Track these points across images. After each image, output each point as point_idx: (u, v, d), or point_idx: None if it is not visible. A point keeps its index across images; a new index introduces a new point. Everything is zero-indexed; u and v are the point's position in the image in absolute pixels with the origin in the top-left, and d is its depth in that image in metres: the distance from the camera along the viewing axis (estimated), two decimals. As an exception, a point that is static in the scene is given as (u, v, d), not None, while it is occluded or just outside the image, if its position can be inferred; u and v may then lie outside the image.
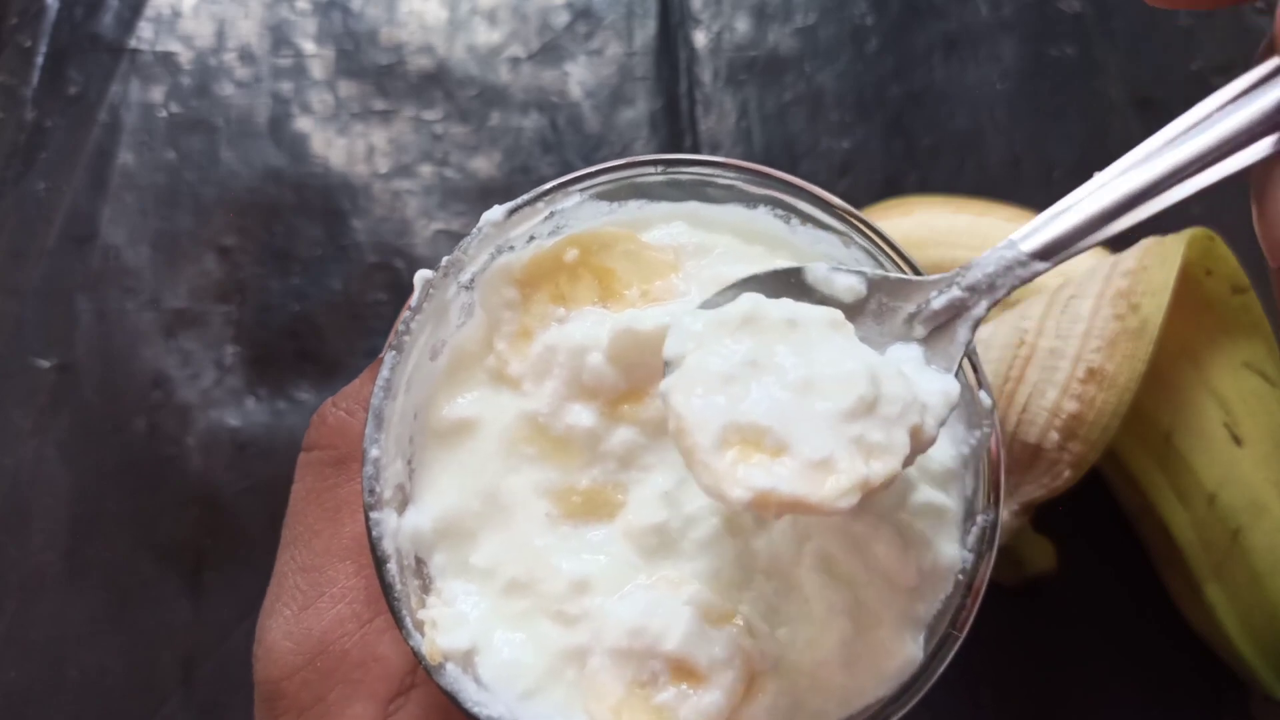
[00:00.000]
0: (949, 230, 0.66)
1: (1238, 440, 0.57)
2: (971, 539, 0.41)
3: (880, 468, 0.34)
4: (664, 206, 0.43)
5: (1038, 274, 0.35)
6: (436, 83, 0.78)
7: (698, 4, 0.80)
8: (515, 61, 0.79)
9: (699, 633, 0.39)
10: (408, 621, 0.38)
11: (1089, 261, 0.63)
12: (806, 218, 0.43)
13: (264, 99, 0.77)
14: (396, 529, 0.39)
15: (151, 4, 0.80)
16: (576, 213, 0.42)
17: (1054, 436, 0.56)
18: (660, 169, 0.42)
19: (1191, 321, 0.58)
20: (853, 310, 0.39)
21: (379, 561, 0.39)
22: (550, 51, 0.79)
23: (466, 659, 0.39)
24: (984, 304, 0.37)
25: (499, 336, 0.42)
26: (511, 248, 0.42)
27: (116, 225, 0.73)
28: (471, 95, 0.78)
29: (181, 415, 0.69)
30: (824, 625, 0.40)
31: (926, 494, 0.42)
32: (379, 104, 0.77)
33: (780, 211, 0.43)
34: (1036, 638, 0.64)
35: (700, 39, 0.79)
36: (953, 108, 0.76)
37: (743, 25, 0.80)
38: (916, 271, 0.42)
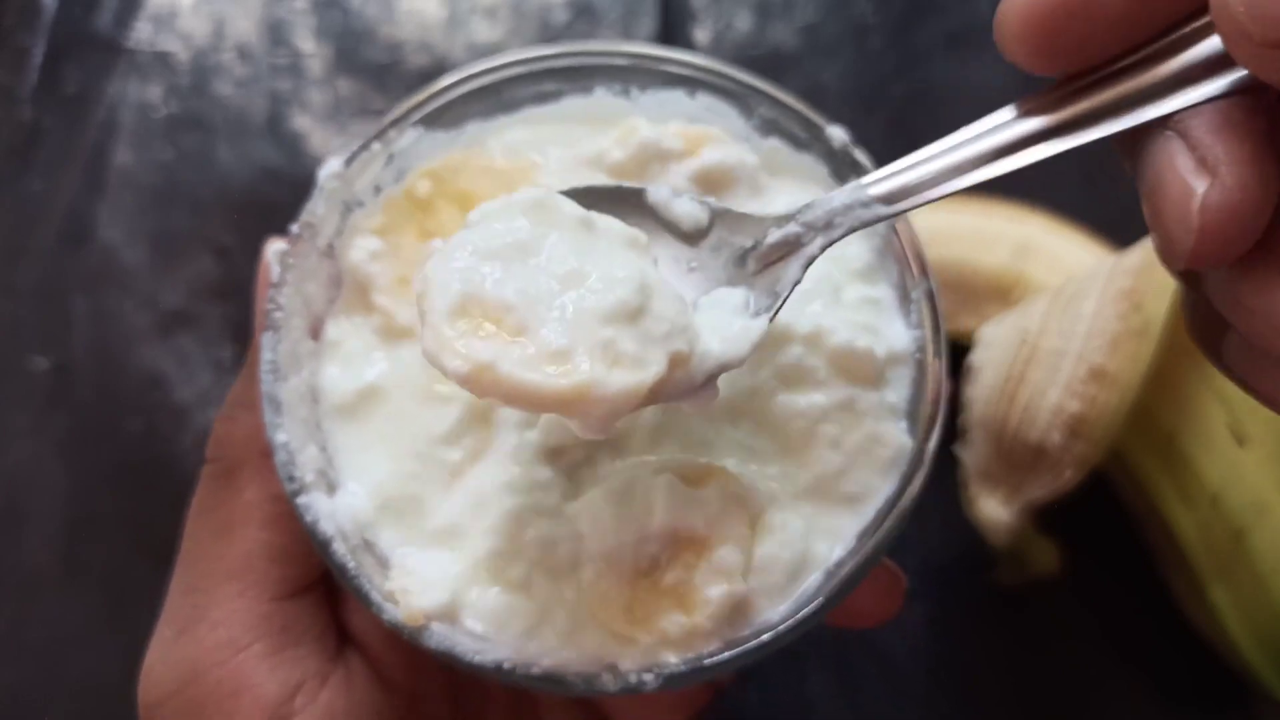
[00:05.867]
0: (951, 229, 0.65)
1: (1241, 441, 0.57)
2: (914, 315, 0.40)
3: (621, 378, 0.31)
4: (501, 119, 0.43)
5: (881, 218, 0.34)
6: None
7: (699, 1, 0.80)
8: (514, 60, 0.78)
9: (684, 497, 0.36)
10: (374, 596, 0.36)
11: (1091, 260, 0.63)
12: (647, 82, 0.42)
13: (262, 97, 0.77)
14: (332, 511, 0.37)
15: (149, 2, 0.79)
16: (416, 150, 0.41)
17: (1056, 436, 0.56)
18: (486, 76, 0.41)
19: (1195, 321, 0.58)
20: (693, 239, 0.37)
21: (322, 545, 0.36)
22: (550, 49, 0.79)
23: (452, 615, 0.36)
24: (819, 241, 0.35)
25: (376, 292, 0.40)
26: (361, 203, 0.41)
27: (114, 225, 0.73)
28: (470, 93, 0.77)
29: (179, 415, 0.68)
30: (807, 443, 0.38)
31: (857, 290, 0.41)
32: (378, 102, 0.77)
33: (617, 87, 0.42)
34: (1038, 638, 0.64)
35: (701, 37, 0.79)
36: (955, 106, 0.75)
37: (744, 23, 0.79)
38: (813, 125, 0.41)
